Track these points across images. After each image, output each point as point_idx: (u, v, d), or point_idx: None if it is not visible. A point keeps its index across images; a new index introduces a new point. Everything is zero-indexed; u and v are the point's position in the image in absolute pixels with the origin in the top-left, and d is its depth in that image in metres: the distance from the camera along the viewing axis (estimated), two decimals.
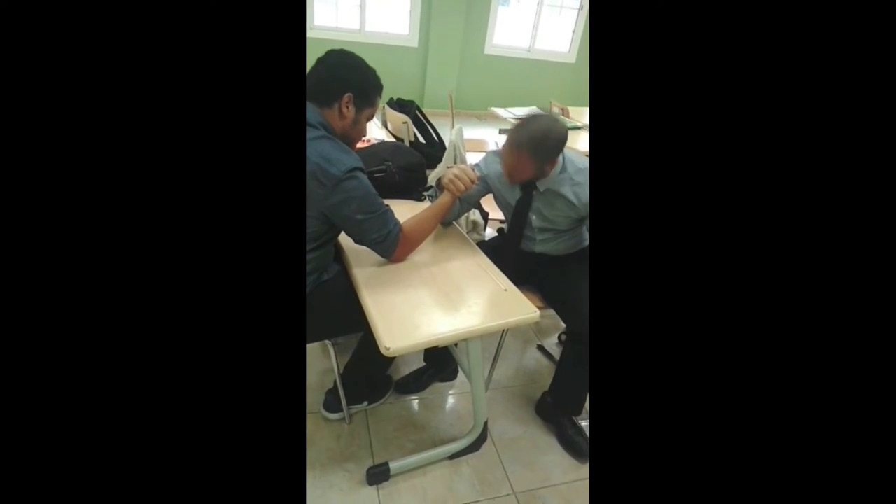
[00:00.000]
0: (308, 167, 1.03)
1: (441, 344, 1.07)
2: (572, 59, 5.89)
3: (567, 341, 1.45)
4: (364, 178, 1.10)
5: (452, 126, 2.41)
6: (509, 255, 1.46)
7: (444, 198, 1.30)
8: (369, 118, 1.20)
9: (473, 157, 2.01)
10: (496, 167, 1.43)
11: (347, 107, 1.12)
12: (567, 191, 1.35)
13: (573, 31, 5.80)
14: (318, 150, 1.05)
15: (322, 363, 1.72)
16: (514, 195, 1.44)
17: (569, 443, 1.48)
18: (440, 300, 1.13)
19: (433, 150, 2.33)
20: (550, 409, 1.56)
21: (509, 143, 1.27)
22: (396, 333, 1.01)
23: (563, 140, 1.28)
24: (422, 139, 2.41)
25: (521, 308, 1.15)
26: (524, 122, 1.27)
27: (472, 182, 1.27)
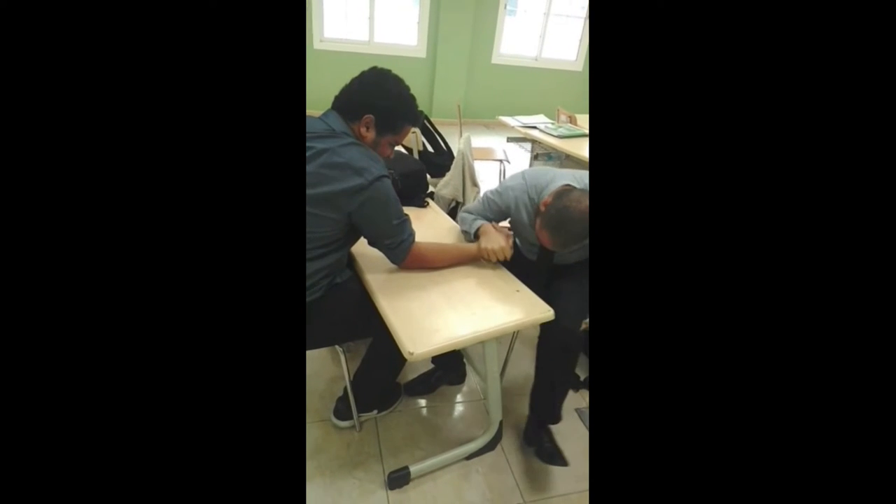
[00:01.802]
0: (335, 173, 1.06)
1: (462, 346, 1.08)
2: (579, 68, 5.91)
3: (540, 342, 1.37)
4: (388, 184, 1.13)
5: (461, 135, 2.42)
6: (542, 278, 1.46)
7: (472, 251, 1.32)
8: (393, 144, 1.22)
9: (481, 165, 2.02)
10: (517, 208, 1.41)
11: (367, 128, 1.15)
12: None
13: (580, 40, 5.83)
14: (347, 155, 1.08)
15: (332, 370, 1.73)
16: (533, 234, 1.41)
17: (544, 454, 1.41)
18: (455, 303, 1.15)
19: (442, 159, 2.34)
20: (531, 430, 1.49)
21: (549, 242, 1.24)
22: (417, 338, 1.02)
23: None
24: (430, 148, 2.43)
25: (536, 308, 1.16)
26: (559, 223, 1.19)
27: (506, 259, 1.31)
